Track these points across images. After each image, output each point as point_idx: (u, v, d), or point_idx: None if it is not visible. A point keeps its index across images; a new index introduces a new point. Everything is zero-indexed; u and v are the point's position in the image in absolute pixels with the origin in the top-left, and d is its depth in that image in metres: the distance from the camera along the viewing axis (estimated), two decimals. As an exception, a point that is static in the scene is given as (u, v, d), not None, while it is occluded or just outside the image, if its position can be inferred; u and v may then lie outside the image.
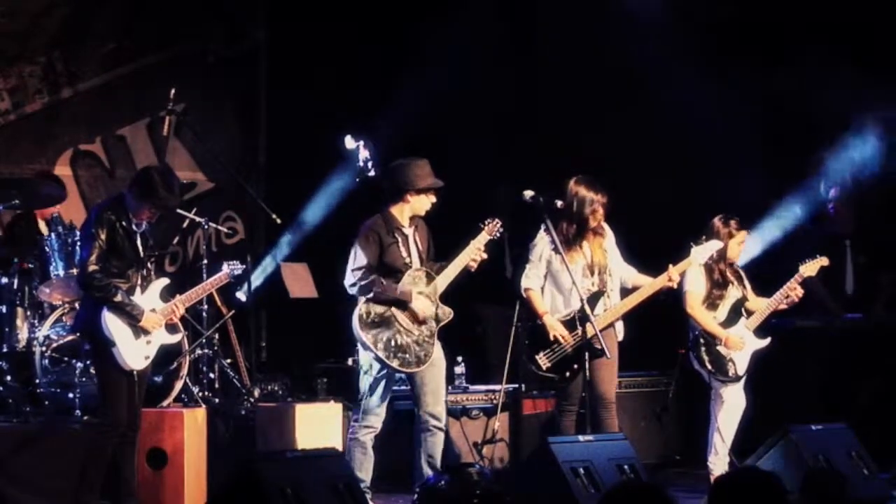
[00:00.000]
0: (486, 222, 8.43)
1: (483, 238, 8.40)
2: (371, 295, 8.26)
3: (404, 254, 8.38)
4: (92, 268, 7.71)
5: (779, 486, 4.71)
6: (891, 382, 9.98)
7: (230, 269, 8.45)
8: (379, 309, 8.27)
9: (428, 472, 8.22)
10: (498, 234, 8.46)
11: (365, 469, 8.32)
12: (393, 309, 8.27)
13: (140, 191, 7.84)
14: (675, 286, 8.84)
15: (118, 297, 7.76)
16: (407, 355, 8.26)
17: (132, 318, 7.81)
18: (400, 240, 8.39)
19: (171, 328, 8.17)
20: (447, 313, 8.41)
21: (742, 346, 9.08)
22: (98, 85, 11.46)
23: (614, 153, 10.90)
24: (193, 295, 8.23)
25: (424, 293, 8.35)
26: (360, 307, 8.25)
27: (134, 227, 7.86)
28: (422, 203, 8.40)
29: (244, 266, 8.66)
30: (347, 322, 8.31)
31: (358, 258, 8.31)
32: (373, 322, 8.24)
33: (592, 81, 11.36)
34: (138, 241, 7.87)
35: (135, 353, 7.84)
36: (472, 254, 8.37)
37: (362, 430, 8.34)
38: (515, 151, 11.71)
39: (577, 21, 11.50)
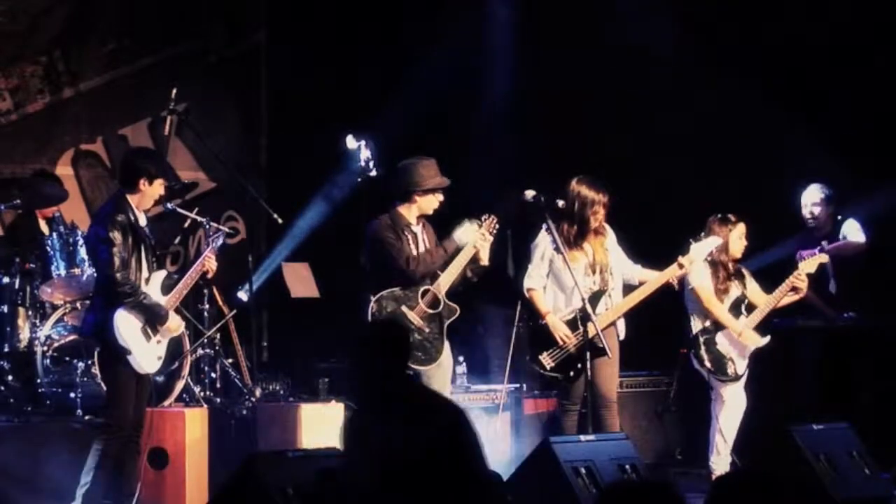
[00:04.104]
0: (483, 219, 8.44)
1: (483, 235, 8.39)
2: (435, 268, 8.30)
3: (414, 252, 8.41)
4: (119, 275, 7.70)
5: (780, 485, 4.67)
6: (891, 382, 9.96)
7: (213, 242, 8.31)
8: (390, 307, 8.30)
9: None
10: (495, 231, 8.45)
11: None
12: (403, 307, 8.30)
13: (129, 177, 7.88)
14: (688, 272, 8.80)
15: (146, 300, 7.80)
16: (420, 353, 8.29)
17: (157, 316, 7.83)
18: (409, 237, 8.43)
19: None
20: (454, 310, 8.43)
21: (759, 340, 9.09)
22: (99, 85, 11.49)
23: (615, 153, 10.91)
24: (189, 280, 8.15)
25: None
26: (372, 305, 8.28)
27: (140, 223, 7.86)
28: (429, 203, 8.43)
29: (229, 231, 8.59)
30: (351, 322, 8.31)
31: (393, 252, 8.33)
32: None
33: (594, 80, 11.35)
34: (144, 239, 7.88)
35: (149, 356, 7.87)
36: (471, 252, 8.37)
37: None
38: (516, 151, 11.69)
39: (579, 19, 11.50)
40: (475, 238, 8.39)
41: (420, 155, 8.51)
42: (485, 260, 8.46)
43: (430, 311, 8.36)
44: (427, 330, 8.33)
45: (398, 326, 6.43)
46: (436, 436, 5.51)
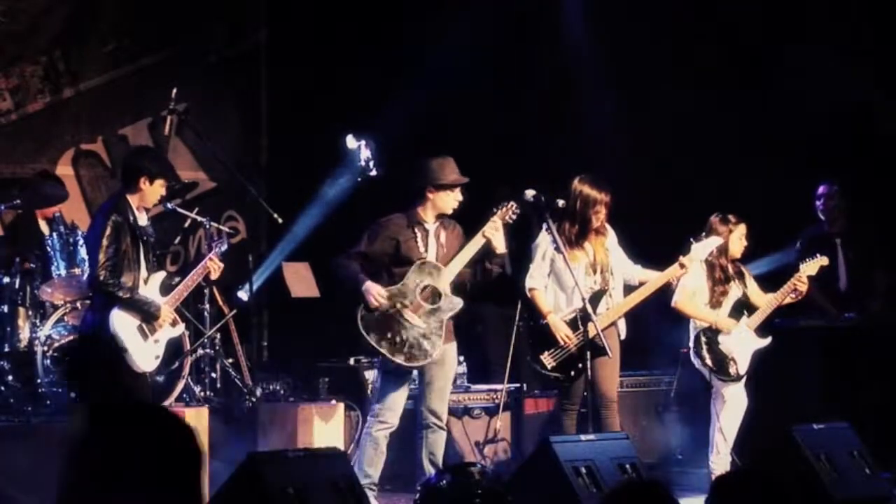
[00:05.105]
0: (501, 206, 8.33)
1: (493, 223, 8.30)
2: (336, 277, 8.28)
3: (422, 248, 8.35)
4: (103, 274, 7.70)
5: (780, 485, 4.61)
6: (892, 381, 9.95)
7: (217, 247, 8.30)
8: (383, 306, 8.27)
9: (430, 469, 8.20)
10: (513, 218, 8.34)
11: (374, 466, 8.31)
12: (398, 304, 8.25)
13: (129, 176, 7.89)
14: (688, 272, 8.79)
15: (134, 296, 7.78)
16: (413, 350, 8.22)
17: (149, 314, 7.82)
18: (419, 234, 8.36)
19: (171, 321, 8.10)
20: (456, 304, 8.34)
21: (732, 327, 9.06)
22: (99, 85, 11.45)
23: (615, 152, 10.90)
24: (189, 282, 8.17)
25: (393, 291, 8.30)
26: (362, 306, 8.24)
27: (140, 223, 7.87)
28: (444, 200, 8.34)
29: (229, 231, 8.57)
30: (351, 320, 8.29)
31: (356, 245, 8.33)
32: (376, 320, 8.23)
33: (593, 79, 11.33)
34: (143, 239, 7.88)
35: (145, 355, 7.86)
36: (479, 242, 8.28)
37: (377, 426, 8.31)
38: (516, 151, 11.66)
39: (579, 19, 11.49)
40: (485, 228, 8.30)
41: (438, 154, 8.44)
42: (500, 248, 8.33)
43: (429, 306, 8.31)
44: (424, 326, 8.26)
45: None
46: None
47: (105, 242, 7.69)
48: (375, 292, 8.21)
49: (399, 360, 8.20)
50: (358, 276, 8.26)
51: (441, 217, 8.42)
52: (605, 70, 11.29)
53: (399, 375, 8.35)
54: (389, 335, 8.21)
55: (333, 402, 9.60)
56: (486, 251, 8.35)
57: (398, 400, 8.35)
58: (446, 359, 8.38)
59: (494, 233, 8.29)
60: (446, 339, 8.37)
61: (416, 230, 8.36)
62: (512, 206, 8.33)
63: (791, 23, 10.95)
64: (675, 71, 11.10)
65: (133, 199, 7.87)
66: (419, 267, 8.31)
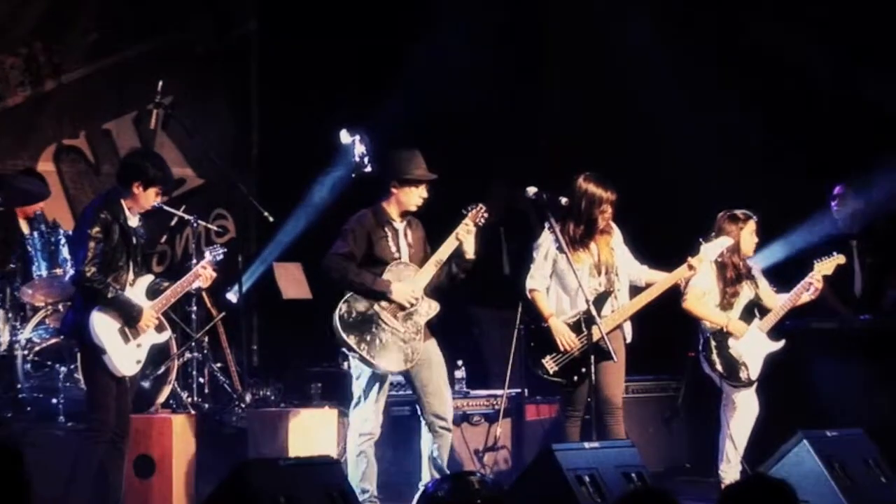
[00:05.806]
0: (470, 208, 8.18)
1: (466, 226, 8.13)
2: (346, 283, 8.08)
3: (393, 248, 8.23)
4: (90, 271, 7.59)
5: (791, 494, 4.57)
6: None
7: (213, 255, 8.18)
8: (361, 307, 8.10)
9: (434, 473, 8.12)
10: (482, 221, 8.19)
11: (369, 479, 8.20)
12: (376, 306, 8.10)
13: (124, 177, 7.78)
14: (697, 273, 8.64)
15: (118, 296, 7.66)
16: (393, 354, 8.09)
17: (130, 318, 7.70)
18: (390, 234, 8.24)
19: (157, 327, 8.00)
20: (433, 307, 8.20)
21: (744, 331, 8.90)
22: (82, 77, 11.32)
23: (616, 152, 10.74)
24: (178, 289, 8.03)
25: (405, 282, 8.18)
26: (341, 306, 8.08)
27: (130, 223, 7.76)
28: (408, 196, 8.19)
29: (225, 249, 8.43)
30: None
31: (340, 245, 8.16)
32: (355, 321, 8.08)
33: (596, 80, 11.28)
34: (133, 239, 7.77)
35: (125, 358, 7.73)
36: (452, 244, 8.13)
37: (360, 440, 8.19)
38: (514, 149, 11.55)
39: (582, 18, 11.45)
40: (458, 230, 8.14)
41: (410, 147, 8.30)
42: (470, 253, 8.21)
43: (407, 309, 8.14)
44: (402, 329, 8.12)
45: None
46: None
47: (92, 238, 7.61)
48: (409, 293, 8.09)
49: (380, 363, 8.06)
50: (376, 279, 8.12)
51: (406, 215, 8.28)
52: (604, 70, 11.22)
53: (379, 384, 8.20)
54: (368, 337, 8.08)
55: (326, 407, 9.47)
56: (456, 254, 8.22)
57: (378, 408, 8.22)
58: (431, 358, 8.23)
59: (466, 235, 8.15)
60: (425, 338, 8.24)
61: (387, 229, 8.25)
62: (481, 208, 8.19)
63: (793, 21, 10.86)
64: (675, 69, 11.01)
65: (125, 201, 7.79)
66: (395, 268, 8.19)
